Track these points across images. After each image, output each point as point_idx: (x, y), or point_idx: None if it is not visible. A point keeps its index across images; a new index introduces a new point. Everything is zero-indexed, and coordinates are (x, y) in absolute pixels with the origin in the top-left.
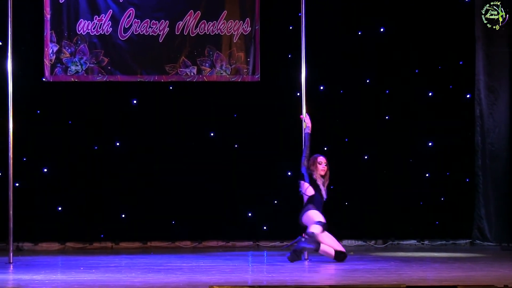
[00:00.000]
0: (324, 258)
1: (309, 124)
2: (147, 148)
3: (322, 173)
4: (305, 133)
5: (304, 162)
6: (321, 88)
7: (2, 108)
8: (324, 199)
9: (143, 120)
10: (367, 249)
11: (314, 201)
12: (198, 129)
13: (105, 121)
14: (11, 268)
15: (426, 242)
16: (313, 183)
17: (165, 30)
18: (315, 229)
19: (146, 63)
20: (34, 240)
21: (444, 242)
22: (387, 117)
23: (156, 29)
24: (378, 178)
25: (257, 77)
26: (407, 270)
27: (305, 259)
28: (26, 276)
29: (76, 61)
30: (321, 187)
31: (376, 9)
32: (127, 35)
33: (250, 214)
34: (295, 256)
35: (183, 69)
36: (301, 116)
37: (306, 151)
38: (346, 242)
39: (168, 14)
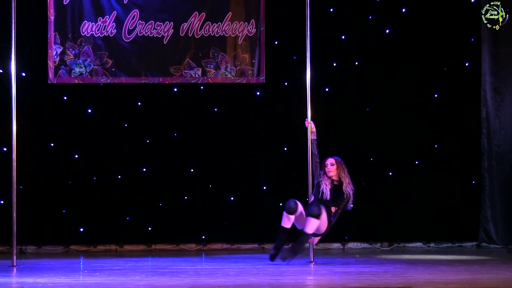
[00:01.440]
0: (330, 261)
1: (314, 130)
2: (152, 150)
3: (330, 174)
4: (312, 140)
5: (317, 171)
6: (327, 89)
7: (6, 110)
8: (327, 198)
9: (147, 122)
10: (372, 252)
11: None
12: (203, 131)
13: (109, 123)
14: (15, 271)
15: (432, 244)
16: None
17: (170, 31)
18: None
19: (151, 65)
20: (38, 243)
21: (450, 244)
22: (393, 119)
23: (160, 31)
24: (383, 180)
25: (262, 78)
26: (413, 272)
27: (311, 262)
28: (29, 279)
29: (80, 63)
30: (325, 187)
31: (382, 10)
32: (131, 37)
33: (255, 217)
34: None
35: (188, 71)
36: (306, 123)
37: (316, 160)
38: (352, 244)
39: (173, 15)
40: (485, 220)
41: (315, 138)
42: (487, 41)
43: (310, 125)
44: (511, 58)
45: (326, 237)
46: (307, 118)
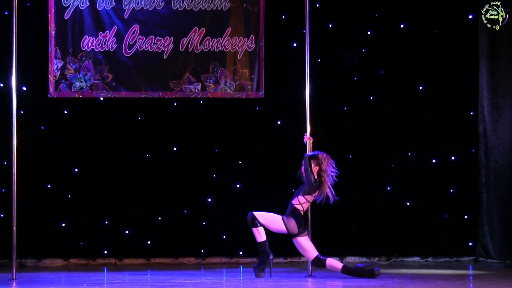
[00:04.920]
0: (328, 275)
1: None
2: (150, 164)
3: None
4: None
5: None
6: (325, 104)
7: (7, 123)
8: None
9: (146, 136)
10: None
11: None
12: (203, 145)
13: (108, 137)
14: (14, 284)
15: (430, 259)
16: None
17: (170, 46)
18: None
19: (151, 79)
20: (38, 256)
21: (448, 259)
22: (391, 134)
23: (160, 46)
24: (381, 195)
25: (261, 93)
26: (411, 287)
27: (309, 276)
28: None
29: (81, 77)
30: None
31: (380, 27)
32: (131, 52)
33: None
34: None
35: (188, 86)
36: (305, 138)
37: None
38: (351, 258)
39: (173, 30)
40: (482, 235)
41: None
42: (485, 58)
43: (309, 141)
44: (509, 74)
45: (324, 251)
46: (306, 133)
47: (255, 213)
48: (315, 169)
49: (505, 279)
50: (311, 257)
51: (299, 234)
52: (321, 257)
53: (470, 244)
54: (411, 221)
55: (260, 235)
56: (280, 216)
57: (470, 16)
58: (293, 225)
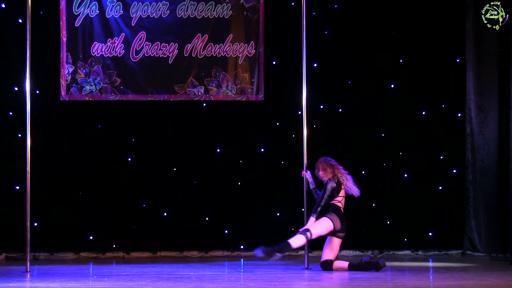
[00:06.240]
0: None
1: (311, 180)
2: (157, 163)
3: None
4: (312, 189)
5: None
6: (321, 107)
7: (21, 125)
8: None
9: (153, 137)
10: None
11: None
12: (205, 145)
13: (117, 137)
14: (28, 276)
15: (420, 252)
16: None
17: (175, 52)
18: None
19: (156, 83)
20: (50, 250)
21: (437, 252)
22: (383, 134)
23: (166, 51)
24: (374, 192)
25: (261, 96)
26: (402, 279)
27: (306, 268)
28: (42, 284)
29: (91, 81)
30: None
31: (374, 34)
32: (138, 57)
33: (254, 226)
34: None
35: (191, 89)
36: (302, 173)
37: (321, 203)
38: (345, 252)
39: (177, 37)
40: (469, 230)
41: (314, 186)
42: (471, 62)
43: (306, 175)
44: (494, 78)
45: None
46: (303, 169)
47: (310, 228)
48: (324, 175)
49: (490, 271)
50: (325, 258)
51: (340, 230)
52: (329, 260)
53: (458, 238)
54: (402, 217)
55: (298, 245)
56: (323, 218)
57: (458, 24)
58: (336, 219)
